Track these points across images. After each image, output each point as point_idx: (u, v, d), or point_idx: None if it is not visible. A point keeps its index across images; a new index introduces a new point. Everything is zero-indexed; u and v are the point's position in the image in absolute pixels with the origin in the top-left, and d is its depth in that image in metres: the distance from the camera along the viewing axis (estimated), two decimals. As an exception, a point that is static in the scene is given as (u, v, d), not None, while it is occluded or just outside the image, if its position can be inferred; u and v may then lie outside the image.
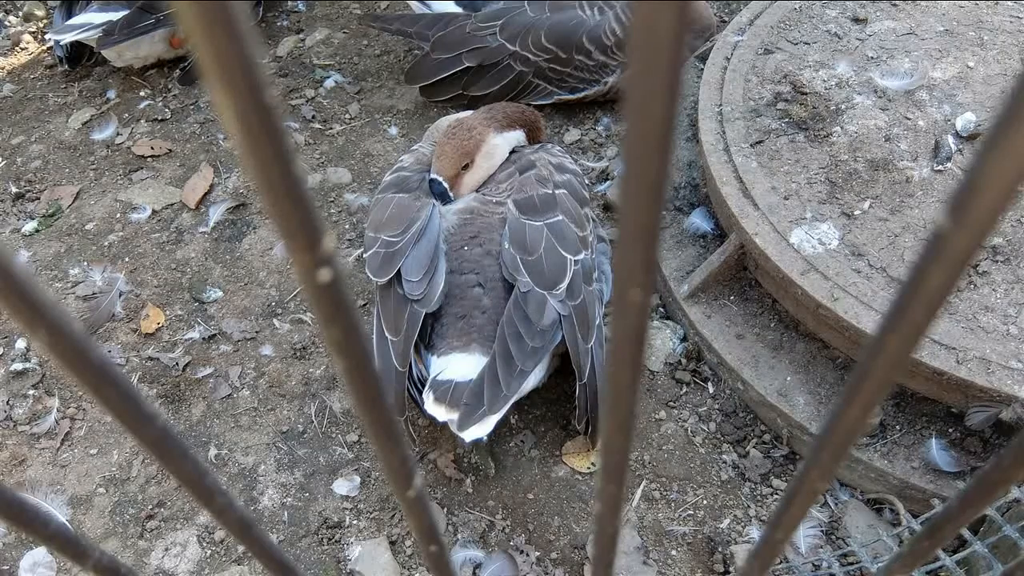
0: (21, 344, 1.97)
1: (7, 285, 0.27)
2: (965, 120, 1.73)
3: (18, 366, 1.91)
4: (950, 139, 1.71)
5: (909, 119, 1.78)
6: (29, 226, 2.25)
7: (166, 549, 1.60)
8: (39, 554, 1.58)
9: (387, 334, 1.52)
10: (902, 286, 0.30)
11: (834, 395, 1.61)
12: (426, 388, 1.48)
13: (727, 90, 1.94)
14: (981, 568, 1.21)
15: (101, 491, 1.70)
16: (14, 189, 2.36)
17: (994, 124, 0.24)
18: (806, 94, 1.87)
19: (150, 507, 1.66)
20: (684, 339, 1.85)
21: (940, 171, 1.68)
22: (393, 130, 2.46)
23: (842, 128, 1.79)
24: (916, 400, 1.55)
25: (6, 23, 3.01)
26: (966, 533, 1.20)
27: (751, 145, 1.81)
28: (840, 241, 1.60)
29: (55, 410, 1.83)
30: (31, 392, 1.87)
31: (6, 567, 1.56)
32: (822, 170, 1.73)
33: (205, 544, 1.60)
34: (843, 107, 1.83)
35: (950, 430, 1.51)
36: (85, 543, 0.44)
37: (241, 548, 1.60)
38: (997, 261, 1.53)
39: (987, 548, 1.15)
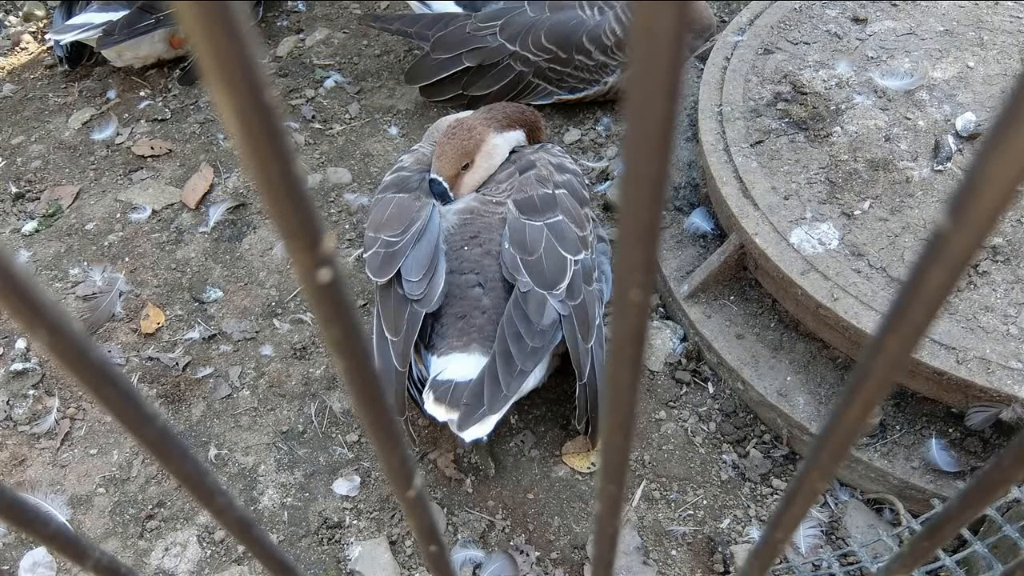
0: (21, 344, 1.97)
1: (7, 285, 0.27)
2: (965, 120, 1.73)
3: (18, 366, 1.91)
4: (950, 139, 1.71)
5: (909, 119, 1.78)
6: (29, 226, 2.25)
7: (166, 549, 1.60)
8: (39, 554, 1.58)
9: (387, 334, 1.52)
10: (902, 286, 0.30)
11: (834, 395, 1.61)
12: (426, 388, 1.48)
13: (727, 90, 1.94)
14: (981, 568, 1.21)
15: (101, 491, 1.70)
16: (14, 189, 2.36)
17: (994, 124, 0.24)
18: (806, 94, 1.87)
19: (150, 507, 1.66)
20: (684, 339, 1.85)
21: (940, 171, 1.68)
22: (393, 130, 2.46)
23: (842, 128, 1.79)
24: (916, 400, 1.55)
25: (6, 23, 3.01)
26: (966, 533, 1.21)
27: (751, 145, 1.81)
28: (840, 241, 1.60)
29: (55, 410, 1.83)
30: (31, 392, 1.87)
31: (6, 567, 1.56)
32: (822, 170, 1.73)
33: (205, 544, 1.60)
34: (843, 107, 1.83)
35: (950, 430, 1.51)
36: (85, 543, 0.44)
37: (241, 548, 1.60)
38: (997, 261, 1.53)
39: (987, 548, 1.15)
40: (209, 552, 1.59)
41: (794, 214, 1.66)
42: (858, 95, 1.84)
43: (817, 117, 1.82)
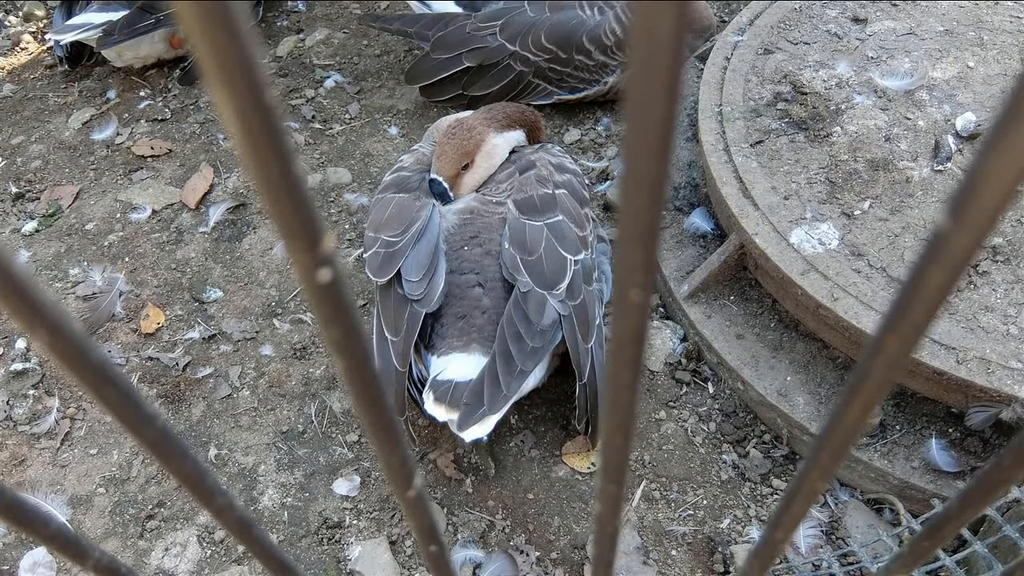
0: (21, 344, 1.97)
1: (7, 285, 0.27)
2: (965, 120, 1.73)
3: (18, 366, 1.91)
4: (950, 139, 1.71)
5: (909, 119, 1.78)
6: (29, 226, 2.25)
7: (166, 549, 1.60)
8: (39, 554, 1.58)
9: (387, 334, 1.52)
10: (902, 286, 0.30)
11: (834, 395, 1.61)
12: (426, 388, 1.48)
13: (727, 90, 1.94)
14: (981, 568, 1.21)
15: (101, 491, 1.70)
16: (14, 189, 2.36)
17: (994, 124, 0.24)
18: (806, 94, 1.87)
19: (150, 507, 1.66)
20: (684, 339, 1.85)
21: (940, 171, 1.68)
22: (393, 130, 2.46)
23: (842, 128, 1.79)
24: (916, 400, 1.55)
25: (6, 23, 3.01)
26: (966, 533, 1.20)
27: (751, 145, 1.81)
28: (840, 241, 1.60)
29: (55, 410, 1.83)
30: (31, 392, 1.87)
31: (6, 567, 1.56)
32: (822, 170, 1.73)
33: (205, 544, 1.60)
34: (843, 107, 1.83)
35: (950, 430, 1.51)
36: (85, 543, 0.44)
37: (241, 548, 1.60)
38: (997, 261, 1.53)
39: (987, 548, 1.15)
40: (209, 552, 1.59)
41: (794, 214, 1.66)
42: (858, 95, 1.84)
43: (817, 117, 1.82)
